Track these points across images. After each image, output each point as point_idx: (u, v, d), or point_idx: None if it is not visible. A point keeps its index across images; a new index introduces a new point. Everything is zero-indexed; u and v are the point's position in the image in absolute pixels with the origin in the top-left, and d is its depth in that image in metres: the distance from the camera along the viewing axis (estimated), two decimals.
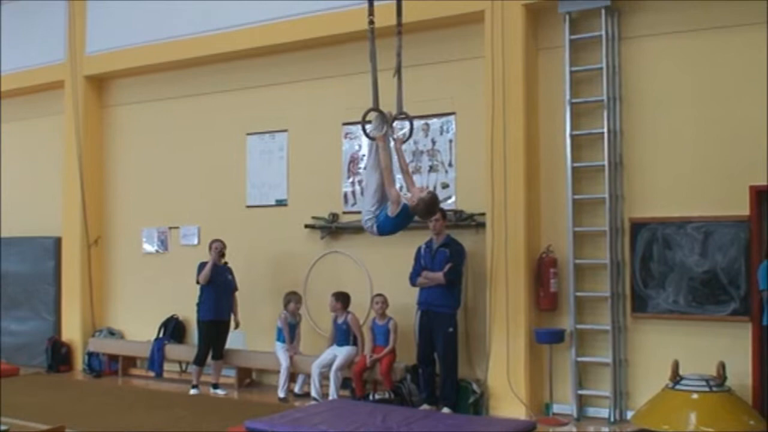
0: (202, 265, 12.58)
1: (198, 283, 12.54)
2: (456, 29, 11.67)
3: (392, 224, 8.95)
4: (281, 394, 12.09)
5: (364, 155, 12.28)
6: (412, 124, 9.40)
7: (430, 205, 8.76)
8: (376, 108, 9.00)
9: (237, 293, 12.90)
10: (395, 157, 9.13)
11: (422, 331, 11.01)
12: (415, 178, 11.39)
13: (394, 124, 9.32)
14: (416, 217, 8.96)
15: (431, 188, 10.80)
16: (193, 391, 12.53)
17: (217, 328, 12.64)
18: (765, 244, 9.49)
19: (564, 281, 10.82)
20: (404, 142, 9.47)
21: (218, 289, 12.57)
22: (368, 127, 9.02)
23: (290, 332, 12.43)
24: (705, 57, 10.17)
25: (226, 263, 12.83)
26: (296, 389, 12.38)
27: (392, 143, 9.16)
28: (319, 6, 12.39)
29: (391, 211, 8.77)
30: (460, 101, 11.71)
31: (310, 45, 12.84)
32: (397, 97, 9.12)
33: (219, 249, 12.59)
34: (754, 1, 9.81)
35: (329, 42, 12.61)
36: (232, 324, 12.82)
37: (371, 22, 9.09)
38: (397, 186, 9.11)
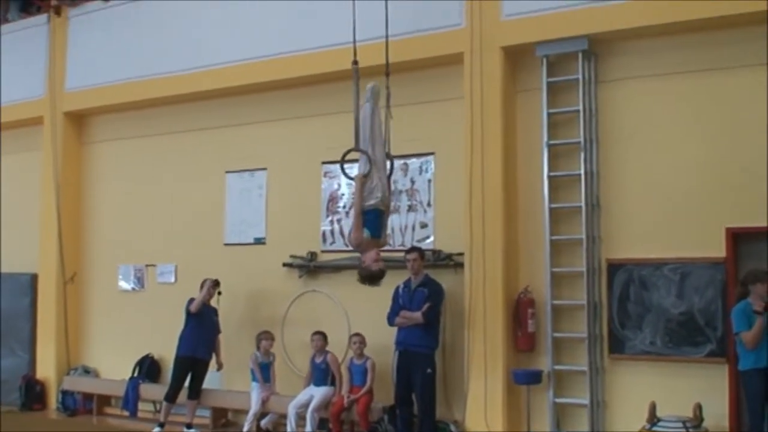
0: (191, 300, 12.51)
1: (188, 312, 12.44)
2: (436, 70, 11.75)
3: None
4: (245, 428, 12.04)
5: (343, 194, 12.36)
6: (392, 163, 9.51)
7: (374, 278, 9.09)
8: (357, 148, 9.10)
9: (220, 335, 12.82)
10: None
11: (400, 372, 10.95)
12: (394, 217, 11.52)
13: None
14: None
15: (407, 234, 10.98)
16: (155, 430, 12.41)
17: (192, 366, 12.53)
18: (739, 287, 9.52)
19: (542, 322, 10.83)
20: (388, 178, 9.68)
21: (202, 327, 12.50)
22: (347, 166, 9.16)
23: (264, 372, 12.35)
24: (680, 100, 10.28)
25: (216, 304, 12.80)
26: (262, 423, 12.25)
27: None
28: (300, 46, 12.46)
29: (350, 240, 9.15)
30: (439, 141, 11.77)
31: (290, 84, 12.88)
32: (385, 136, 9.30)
33: (209, 289, 12.52)
34: (727, 46, 9.96)
35: (309, 81, 12.66)
36: (213, 365, 12.72)
37: (355, 62, 9.24)
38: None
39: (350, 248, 9.72)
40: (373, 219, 9.27)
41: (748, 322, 8.90)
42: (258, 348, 12.38)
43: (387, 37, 10.04)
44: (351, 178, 9.35)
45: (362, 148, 9.29)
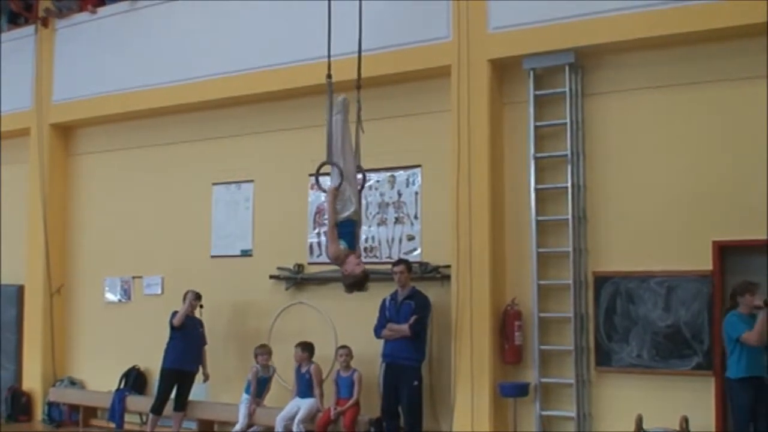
0: (175, 313, 12.46)
1: (172, 326, 12.41)
2: (423, 83, 11.76)
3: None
4: None
5: None
6: (364, 176, 9.61)
7: (360, 283, 9.15)
8: (330, 161, 9.23)
9: (205, 346, 12.79)
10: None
11: (387, 384, 10.95)
12: (381, 230, 11.56)
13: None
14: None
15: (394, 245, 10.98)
16: None
17: (179, 378, 12.49)
18: (728, 299, 9.55)
19: (528, 334, 10.84)
20: (360, 190, 9.81)
21: (187, 339, 12.45)
22: (323, 179, 9.28)
23: (260, 386, 12.29)
24: (668, 113, 10.31)
25: (200, 317, 12.77)
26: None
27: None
28: (286, 58, 12.47)
29: (329, 253, 9.21)
30: (426, 154, 11.78)
31: (277, 97, 12.89)
32: (355, 149, 9.37)
33: (192, 302, 12.49)
34: (714, 59, 10.00)
35: (296, 94, 12.65)
36: (200, 377, 12.67)
37: (329, 76, 9.38)
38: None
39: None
40: (348, 230, 9.40)
41: (745, 325, 9.00)
42: (257, 362, 12.31)
43: (360, 50, 10.07)
44: (325, 191, 9.45)
45: (334, 161, 9.39)
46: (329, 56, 9.73)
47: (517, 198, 11.08)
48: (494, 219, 10.97)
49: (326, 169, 9.59)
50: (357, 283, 9.29)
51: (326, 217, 11.98)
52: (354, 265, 9.21)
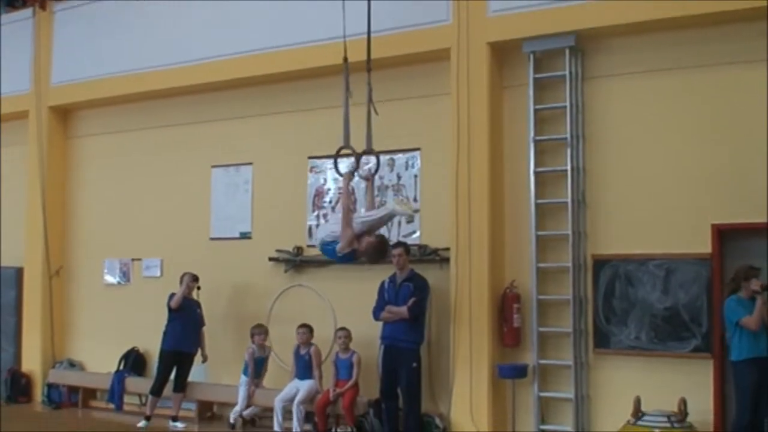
0: (173, 296, 12.49)
1: (169, 308, 12.43)
2: (422, 66, 11.75)
3: (334, 256, 9.57)
4: (231, 420, 12.11)
5: (329, 189, 12.37)
6: (378, 161, 9.60)
7: (381, 249, 9.14)
8: (347, 145, 9.22)
9: (204, 328, 12.81)
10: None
11: (385, 366, 10.98)
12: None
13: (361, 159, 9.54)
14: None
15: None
16: (141, 424, 12.41)
17: (178, 359, 12.53)
18: (728, 282, 9.58)
19: (527, 317, 10.87)
20: (372, 177, 9.73)
21: (185, 320, 12.47)
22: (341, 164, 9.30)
23: (257, 366, 12.34)
24: (668, 96, 10.32)
25: (197, 298, 12.80)
26: (245, 413, 12.24)
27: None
28: (286, 41, 12.45)
29: (340, 248, 9.15)
30: (426, 137, 11.78)
31: (277, 79, 12.87)
32: (367, 134, 9.32)
33: (189, 284, 12.53)
34: (714, 43, 10.00)
35: (295, 76, 12.66)
36: (198, 358, 12.71)
37: (345, 59, 9.32)
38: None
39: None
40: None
41: (744, 310, 9.05)
42: (252, 342, 12.37)
43: (369, 33, 10.03)
44: (341, 175, 9.48)
45: (351, 146, 9.40)
46: (345, 38, 9.63)
47: (517, 181, 11.10)
48: (493, 202, 10.99)
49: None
50: (379, 251, 9.31)
51: (326, 200, 12.14)
52: (367, 241, 9.26)
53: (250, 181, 13.36)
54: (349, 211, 9.26)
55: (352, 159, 9.37)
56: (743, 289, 9.22)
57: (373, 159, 10.01)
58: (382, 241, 9.55)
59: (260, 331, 12.37)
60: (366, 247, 9.23)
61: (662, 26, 10.18)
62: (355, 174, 9.65)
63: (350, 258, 9.48)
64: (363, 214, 9.87)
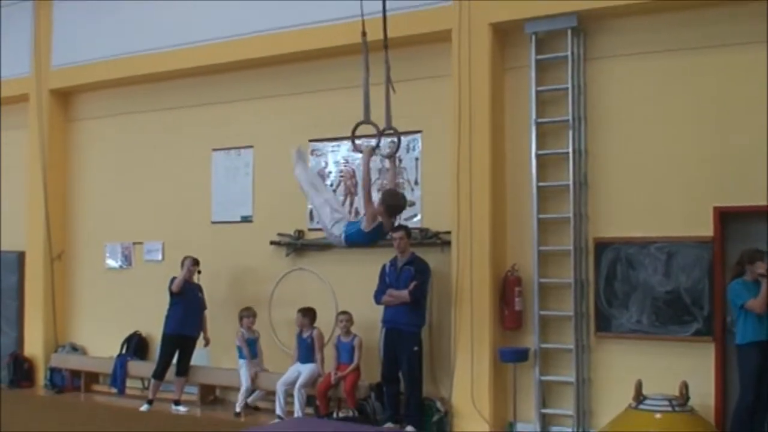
0: (174, 279, 12.50)
1: (171, 292, 12.44)
2: (423, 47, 11.67)
3: (363, 237, 9.16)
4: (237, 409, 12.10)
5: (330, 172, 12.31)
6: (399, 140, 9.53)
7: (395, 197, 9.00)
8: (368, 120, 9.11)
9: (205, 311, 12.82)
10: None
11: (387, 350, 10.98)
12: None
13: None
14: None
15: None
16: (143, 408, 12.43)
17: (180, 343, 12.56)
18: (731, 267, 9.53)
19: (528, 300, 10.84)
20: (392, 156, 9.66)
21: (187, 304, 12.49)
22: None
23: (251, 348, 12.37)
24: (670, 77, 10.24)
25: (198, 282, 12.81)
26: (249, 400, 12.26)
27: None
28: (286, 23, 12.37)
29: (365, 225, 8.94)
30: (427, 119, 11.72)
31: (278, 61, 12.79)
32: (386, 112, 9.23)
33: (189, 268, 12.54)
34: (717, 24, 9.92)
35: (296, 59, 12.59)
36: (201, 342, 12.71)
37: (364, 33, 9.20)
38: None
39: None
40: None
41: (749, 293, 9.05)
42: (241, 325, 12.38)
43: (384, 8, 9.84)
44: (361, 152, 9.37)
45: (372, 121, 9.26)
46: (362, 15, 9.37)
47: (518, 163, 11.05)
48: (495, 185, 10.93)
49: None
50: (392, 193, 9.24)
51: (327, 183, 12.03)
52: (378, 199, 9.21)
53: (251, 165, 13.32)
54: (369, 186, 9.12)
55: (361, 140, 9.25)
56: (748, 273, 9.20)
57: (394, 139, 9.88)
58: (396, 191, 9.43)
59: (248, 314, 12.45)
60: (382, 199, 9.05)
61: (665, 7, 10.09)
62: (376, 151, 9.54)
63: (377, 234, 9.25)
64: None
